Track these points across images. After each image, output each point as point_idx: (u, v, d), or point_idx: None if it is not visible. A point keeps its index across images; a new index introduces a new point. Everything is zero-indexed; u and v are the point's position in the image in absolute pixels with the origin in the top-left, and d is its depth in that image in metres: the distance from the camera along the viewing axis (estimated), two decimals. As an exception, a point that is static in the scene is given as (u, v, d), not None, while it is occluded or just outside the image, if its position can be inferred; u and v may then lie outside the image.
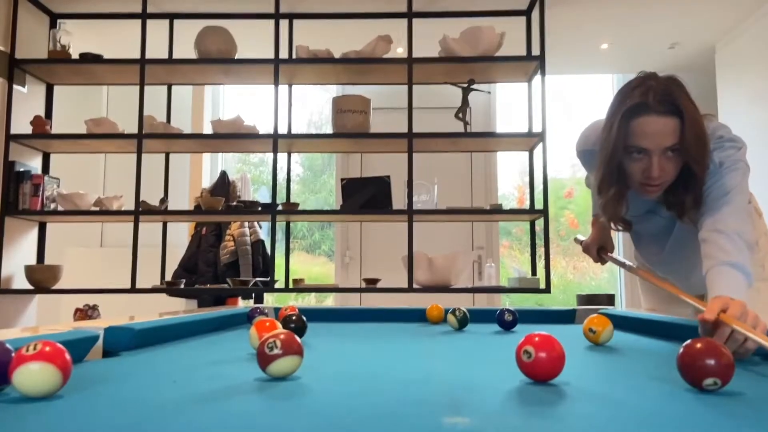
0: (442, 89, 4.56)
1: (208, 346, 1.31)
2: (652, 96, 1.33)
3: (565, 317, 2.07)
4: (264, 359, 0.85)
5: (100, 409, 0.66)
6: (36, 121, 3.75)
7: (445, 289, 3.60)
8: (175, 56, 4.06)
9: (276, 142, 3.72)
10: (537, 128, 3.76)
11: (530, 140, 3.80)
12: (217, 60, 3.77)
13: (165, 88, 4.22)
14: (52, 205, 3.82)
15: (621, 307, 3.56)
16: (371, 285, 3.74)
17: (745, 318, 1.07)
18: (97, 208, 3.80)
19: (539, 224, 3.79)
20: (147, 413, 0.63)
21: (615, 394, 0.75)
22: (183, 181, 5.03)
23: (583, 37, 4.63)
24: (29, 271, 3.69)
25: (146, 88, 3.82)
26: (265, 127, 3.89)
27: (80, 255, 4.98)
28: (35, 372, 0.69)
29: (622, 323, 1.76)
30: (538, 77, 3.77)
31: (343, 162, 5.45)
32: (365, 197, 3.77)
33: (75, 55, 3.84)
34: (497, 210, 3.74)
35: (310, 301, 5.38)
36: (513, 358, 0.86)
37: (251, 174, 5.58)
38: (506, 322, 1.68)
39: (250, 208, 3.80)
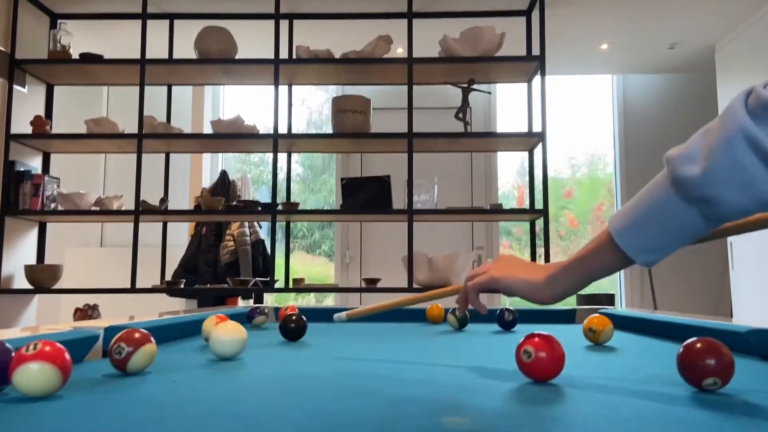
0: (442, 89, 4.57)
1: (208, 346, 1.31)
2: None
3: (565, 317, 2.07)
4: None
5: (100, 409, 0.66)
6: (36, 121, 3.75)
7: (445, 289, 3.60)
8: (175, 56, 4.07)
9: (276, 142, 3.72)
10: (537, 128, 3.76)
11: (530, 140, 3.80)
12: (217, 60, 3.77)
13: (165, 88, 4.23)
14: (52, 205, 3.82)
15: (621, 307, 3.56)
16: (371, 285, 3.74)
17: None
18: (98, 208, 3.80)
19: (539, 224, 3.79)
20: (147, 413, 0.64)
21: (615, 394, 0.75)
22: (183, 181, 5.03)
23: (582, 38, 4.63)
24: (29, 270, 3.70)
25: (146, 88, 3.82)
26: (265, 127, 3.89)
27: (80, 255, 4.98)
28: (35, 372, 0.69)
29: (622, 323, 1.76)
30: (537, 77, 3.77)
31: (343, 162, 5.45)
32: (365, 197, 3.77)
33: (75, 56, 3.84)
34: (497, 210, 3.74)
35: (309, 301, 5.38)
36: (513, 358, 0.86)
37: (251, 174, 5.58)
38: (506, 321, 1.68)
39: (250, 208, 3.81)
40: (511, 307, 1.75)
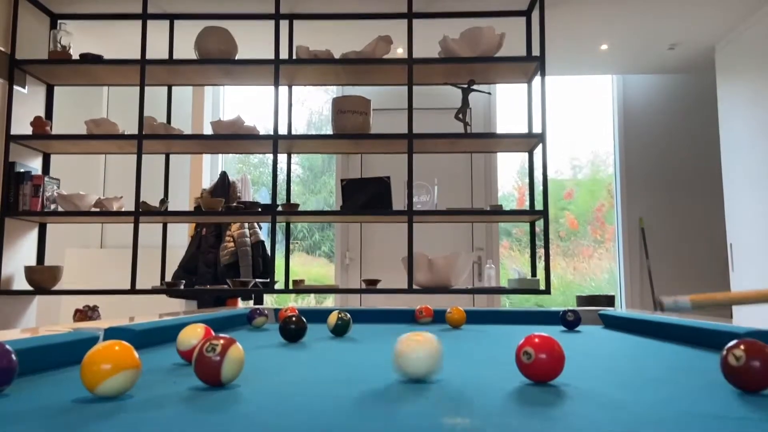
0: (442, 90, 4.57)
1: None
2: None
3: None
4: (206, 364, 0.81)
5: (100, 409, 0.66)
6: (36, 122, 3.75)
7: (445, 290, 3.60)
8: (175, 57, 4.07)
9: (276, 142, 3.72)
10: (537, 129, 3.76)
11: (530, 141, 3.80)
12: (217, 60, 3.77)
13: (165, 88, 4.23)
14: (52, 206, 3.82)
15: (621, 308, 3.56)
16: (371, 286, 3.74)
17: None
18: (97, 209, 3.80)
19: (539, 225, 3.79)
20: (147, 414, 0.63)
21: (614, 394, 0.75)
22: (183, 182, 5.03)
23: (582, 38, 4.63)
24: (29, 272, 3.69)
25: (146, 88, 3.82)
26: (265, 128, 3.89)
27: (80, 256, 4.98)
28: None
29: (621, 324, 1.76)
30: (537, 78, 3.77)
31: (343, 163, 5.46)
32: (365, 198, 3.77)
33: (75, 56, 3.84)
34: (497, 211, 3.74)
35: (309, 302, 5.38)
36: (513, 358, 0.86)
37: (251, 175, 5.58)
38: (569, 321, 1.76)
39: (250, 209, 3.81)
40: (572, 308, 1.80)
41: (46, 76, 3.96)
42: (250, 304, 4.44)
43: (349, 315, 1.56)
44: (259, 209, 3.79)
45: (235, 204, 3.91)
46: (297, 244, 5.64)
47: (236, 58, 3.89)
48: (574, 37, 4.60)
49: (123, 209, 3.82)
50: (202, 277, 4.42)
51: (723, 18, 4.27)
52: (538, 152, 3.88)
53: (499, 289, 3.83)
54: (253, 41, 4.28)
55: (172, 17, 4.04)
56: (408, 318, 2.09)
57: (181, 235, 4.90)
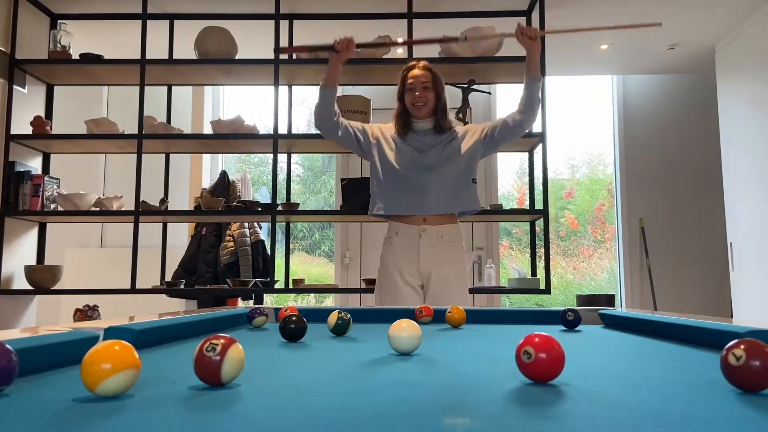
0: (442, 90, 4.55)
1: (208, 347, 1.31)
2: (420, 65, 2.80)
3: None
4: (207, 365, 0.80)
5: (100, 409, 0.66)
6: (36, 122, 3.75)
7: (445, 289, 3.59)
8: (175, 57, 4.07)
9: (276, 142, 3.72)
10: (537, 129, 3.76)
11: (530, 141, 3.80)
12: (217, 60, 3.77)
13: (165, 88, 4.23)
14: (52, 206, 3.82)
15: (621, 308, 3.56)
16: (371, 285, 3.73)
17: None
18: (97, 209, 3.80)
19: (539, 225, 3.79)
20: (147, 414, 0.63)
21: (615, 394, 0.75)
22: (183, 181, 5.03)
23: (582, 38, 4.63)
24: (29, 271, 3.69)
25: (146, 88, 3.82)
26: (265, 128, 3.89)
27: (80, 255, 4.98)
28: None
29: (621, 324, 1.76)
30: (538, 78, 3.76)
31: (343, 162, 5.45)
32: (365, 197, 3.76)
33: (75, 56, 3.84)
34: (497, 210, 3.74)
35: (309, 301, 5.38)
36: (513, 358, 0.86)
37: (251, 174, 5.58)
38: (569, 321, 1.73)
39: (250, 209, 3.81)
40: (572, 308, 1.78)
41: (46, 75, 3.96)
42: (250, 303, 4.44)
43: (349, 314, 1.56)
44: (259, 209, 3.78)
45: (235, 203, 3.90)
46: (297, 243, 5.64)
47: (236, 57, 3.89)
48: (574, 37, 4.60)
49: (123, 209, 3.82)
50: (202, 276, 4.42)
51: (723, 18, 4.27)
52: (538, 152, 3.87)
53: (499, 289, 3.83)
54: (253, 41, 4.28)
55: (172, 17, 4.04)
56: (408, 317, 2.08)
57: (181, 235, 4.90)
